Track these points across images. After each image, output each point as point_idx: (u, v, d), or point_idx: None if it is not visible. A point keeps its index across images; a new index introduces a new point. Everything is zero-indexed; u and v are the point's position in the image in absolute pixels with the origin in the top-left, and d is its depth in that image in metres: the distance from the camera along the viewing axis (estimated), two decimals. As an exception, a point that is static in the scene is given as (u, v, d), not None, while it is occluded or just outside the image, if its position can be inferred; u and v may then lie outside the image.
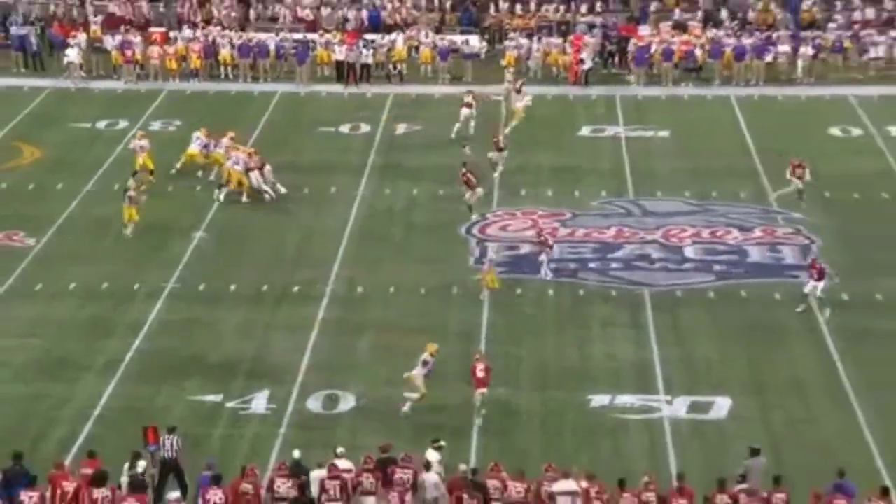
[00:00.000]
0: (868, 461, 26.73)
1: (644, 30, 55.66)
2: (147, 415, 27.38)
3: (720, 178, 42.01)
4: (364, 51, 52.40)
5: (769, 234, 38.10)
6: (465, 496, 23.47)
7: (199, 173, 41.63)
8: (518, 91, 46.84)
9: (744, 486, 24.35)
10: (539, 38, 54.47)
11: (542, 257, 35.22)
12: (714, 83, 52.16)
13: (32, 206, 39.85)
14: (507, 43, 54.62)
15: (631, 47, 53.66)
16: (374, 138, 46.16)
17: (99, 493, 23.16)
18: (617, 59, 54.75)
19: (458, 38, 54.97)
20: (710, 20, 56.56)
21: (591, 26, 55.89)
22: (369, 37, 54.17)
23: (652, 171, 43.02)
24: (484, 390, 28.28)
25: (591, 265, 36.05)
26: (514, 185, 40.97)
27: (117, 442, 26.34)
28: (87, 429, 27.99)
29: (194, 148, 41.69)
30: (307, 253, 37.06)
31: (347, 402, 29.29)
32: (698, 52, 53.29)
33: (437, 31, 56.06)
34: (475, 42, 55.15)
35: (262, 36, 54.46)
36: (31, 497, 23.22)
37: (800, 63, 52.80)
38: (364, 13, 57.37)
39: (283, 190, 40.38)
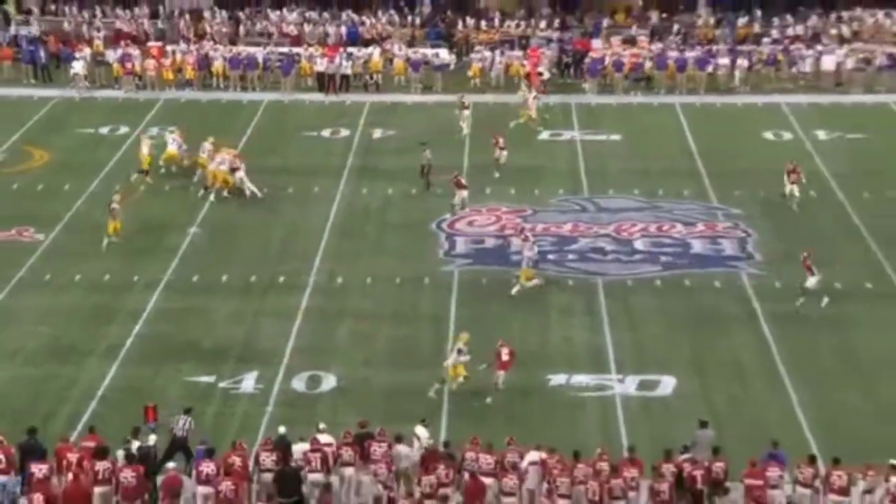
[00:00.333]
0: (798, 433, 26.89)
1: (597, 44, 55.86)
2: (146, 394, 27.33)
3: (666, 178, 42.04)
4: (343, 63, 52.33)
5: (710, 228, 38.17)
6: (441, 466, 23.53)
7: (195, 177, 41.45)
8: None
9: (687, 455, 24.49)
10: (502, 52, 54.50)
11: (526, 252, 34.76)
12: (660, 92, 52.30)
13: (41, 205, 39.63)
14: (473, 55, 54.69)
15: (587, 59, 53.77)
16: (352, 142, 46.02)
17: (101, 465, 23.19)
18: (573, 70, 54.88)
19: (429, 51, 54.97)
20: (656, 34, 56.80)
21: (549, 40, 56.13)
22: (349, 50, 54.10)
23: (605, 171, 43.02)
24: (505, 372, 28.35)
25: (550, 257, 36.03)
26: (480, 183, 40.92)
27: (119, 419, 26.33)
28: (91, 407, 27.94)
29: (172, 148, 41.72)
30: (292, 247, 36.95)
31: (329, 383, 29.26)
32: (647, 64, 53.46)
33: (410, 44, 56.05)
34: (445, 55, 55.12)
35: (251, 49, 54.41)
36: (40, 469, 23.28)
37: (737, 74, 53.06)
38: (343, 29, 57.33)
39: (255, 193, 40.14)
